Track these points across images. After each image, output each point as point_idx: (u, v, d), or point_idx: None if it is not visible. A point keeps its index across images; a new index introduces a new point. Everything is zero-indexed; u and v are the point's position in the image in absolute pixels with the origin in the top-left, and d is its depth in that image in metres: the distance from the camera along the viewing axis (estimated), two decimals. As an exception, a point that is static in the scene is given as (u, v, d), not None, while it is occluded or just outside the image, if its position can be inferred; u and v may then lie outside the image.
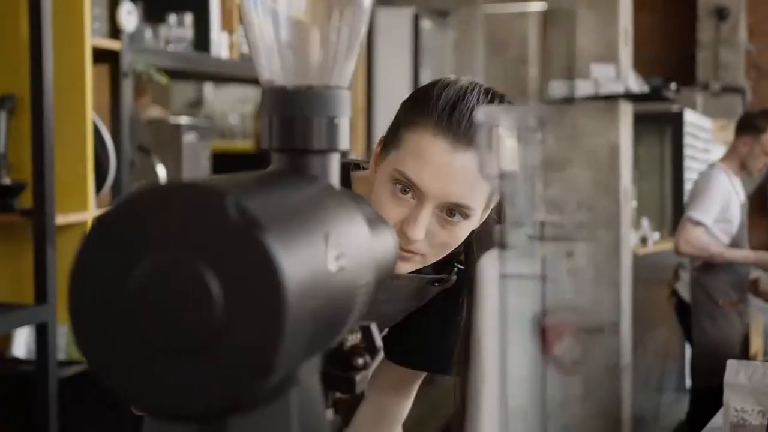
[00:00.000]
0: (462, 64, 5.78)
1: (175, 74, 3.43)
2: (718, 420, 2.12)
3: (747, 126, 4.43)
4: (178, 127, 3.26)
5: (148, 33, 3.12)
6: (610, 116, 5.47)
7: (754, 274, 4.59)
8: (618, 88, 5.47)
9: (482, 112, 0.74)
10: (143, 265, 0.64)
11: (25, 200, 2.55)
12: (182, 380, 0.62)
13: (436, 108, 1.29)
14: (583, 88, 5.46)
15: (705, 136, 7.80)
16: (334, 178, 0.84)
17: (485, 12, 5.76)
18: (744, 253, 4.50)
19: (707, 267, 4.43)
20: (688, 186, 7.22)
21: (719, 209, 4.39)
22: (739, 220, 4.48)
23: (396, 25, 5.73)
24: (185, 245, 0.63)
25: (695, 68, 9.18)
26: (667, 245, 6.62)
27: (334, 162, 0.84)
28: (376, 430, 1.55)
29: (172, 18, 3.22)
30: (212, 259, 0.63)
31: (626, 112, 5.71)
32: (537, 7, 5.80)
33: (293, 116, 0.82)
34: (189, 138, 3.22)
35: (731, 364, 1.99)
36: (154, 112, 4.13)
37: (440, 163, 1.27)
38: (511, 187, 0.72)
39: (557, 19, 5.74)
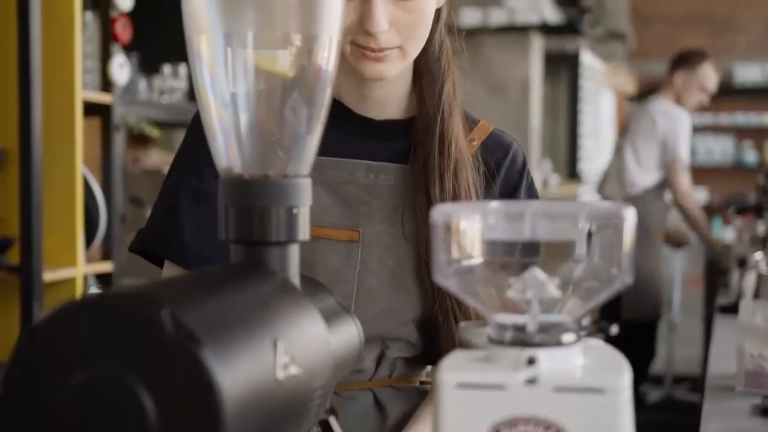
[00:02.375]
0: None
1: (170, 124, 3.42)
2: (727, 367, 1.90)
3: (682, 61, 4.54)
4: (172, 178, 3.23)
5: (142, 84, 3.11)
6: (522, 49, 5.40)
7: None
8: (532, 18, 5.38)
9: None
10: (76, 379, 0.60)
11: (13, 256, 2.52)
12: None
13: None
14: (497, 16, 5.36)
15: (597, 79, 7.80)
16: (293, 269, 0.80)
17: None
18: (708, 231, 4.61)
19: (640, 197, 4.43)
20: (582, 129, 7.21)
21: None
22: None
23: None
24: (119, 359, 0.60)
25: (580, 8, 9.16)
26: (569, 189, 6.59)
27: (293, 254, 0.81)
28: None
29: (167, 69, 3.22)
30: (146, 375, 0.59)
31: (538, 45, 5.63)
32: None
33: (250, 206, 0.79)
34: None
35: (745, 304, 1.78)
36: (155, 156, 4.11)
37: None
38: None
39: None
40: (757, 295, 2.81)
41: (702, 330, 5.17)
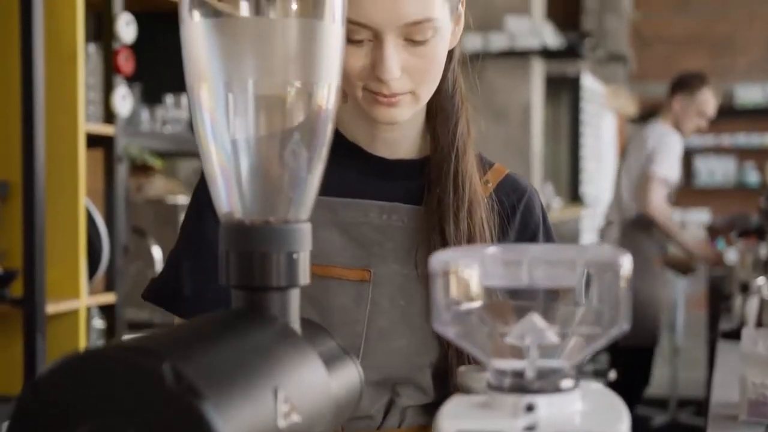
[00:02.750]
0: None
1: (173, 154, 3.43)
2: (731, 395, 1.88)
3: (681, 85, 4.51)
4: (174, 207, 3.25)
5: (144, 114, 3.12)
6: (523, 74, 5.40)
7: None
8: (533, 43, 5.38)
9: None
10: (79, 431, 0.61)
11: (16, 288, 2.52)
12: None
13: None
14: (498, 41, 5.37)
15: (599, 102, 7.82)
16: (294, 314, 0.81)
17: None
18: (692, 242, 4.59)
19: (639, 222, 4.40)
20: (584, 152, 7.22)
21: (677, 168, 4.46)
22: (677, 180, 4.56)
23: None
24: (121, 412, 0.60)
25: (581, 32, 9.19)
26: (571, 212, 6.60)
27: (294, 298, 0.81)
28: None
29: (169, 99, 3.23)
30: (148, 428, 0.60)
31: (539, 69, 5.64)
32: None
33: (251, 252, 0.80)
34: (187, 217, 3.19)
35: (747, 333, 1.78)
36: (159, 184, 4.12)
37: None
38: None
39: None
40: (760, 321, 2.81)
41: (706, 353, 5.16)
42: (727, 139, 10.28)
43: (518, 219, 1.30)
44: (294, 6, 0.78)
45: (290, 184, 0.82)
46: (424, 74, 1.18)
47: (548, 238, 1.31)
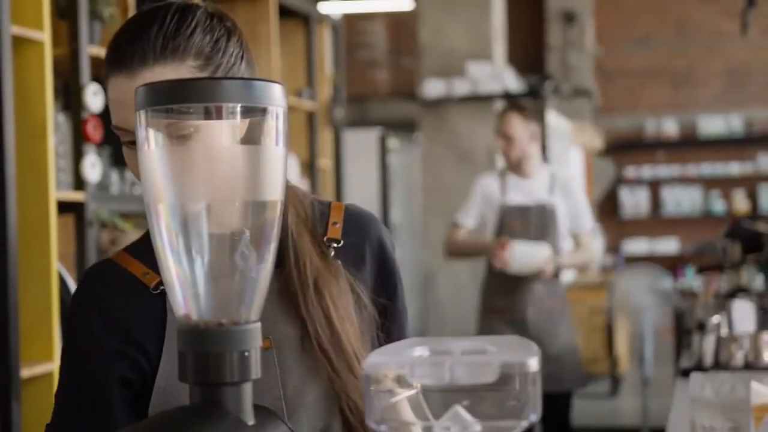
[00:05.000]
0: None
1: (143, 215, 3.51)
2: None
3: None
4: (145, 265, 3.31)
5: (114, 177, 3.20)
6: (486, 117, 5.51)
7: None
8: (495, 87, 5.46)
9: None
10: None
11: (-10, 354, 2.58)
12: None
13: (110, 47, 1.23)
14: (460, 87, 5.45)
15: (565, 137, 7.94)
16: (247, 406, 0.89)
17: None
18: (477, 240, 4.35)
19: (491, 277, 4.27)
20: None
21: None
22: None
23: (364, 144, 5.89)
24: None
25: (544, 71, 9.35)
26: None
27: (247, 391, 0.90)
28: None
29: (138, 160, 3.31)
30: None
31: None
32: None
33: (207, 352, 0.88)
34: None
35: (695, 377, 1.84)
36: (132, 237, 4.18)
37: (120, 96, 1.20)
38: None
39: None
40: (717, 359, 2.89)
41: (674, 382, 5.26)
42: (692, 169, 10.46)
43: (371, 252, 1.36)
44: (240, 134, 0.87)
45: (240, 287, 0.91)
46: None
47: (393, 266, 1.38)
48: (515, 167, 4.27)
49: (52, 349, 2.69)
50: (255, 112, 0.89)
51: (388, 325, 1.37)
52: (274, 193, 0.90)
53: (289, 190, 1.32)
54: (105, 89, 1.26)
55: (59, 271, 2.76)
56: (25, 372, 2.58)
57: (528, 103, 6.44)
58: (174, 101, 0.87)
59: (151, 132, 0.89)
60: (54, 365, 2.70)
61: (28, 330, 2.65)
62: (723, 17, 9.98)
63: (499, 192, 4.29)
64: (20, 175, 2.62)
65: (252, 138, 0.88)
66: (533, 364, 0.76)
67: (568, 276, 7.98)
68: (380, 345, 1.30)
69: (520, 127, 4.16)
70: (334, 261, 1.31)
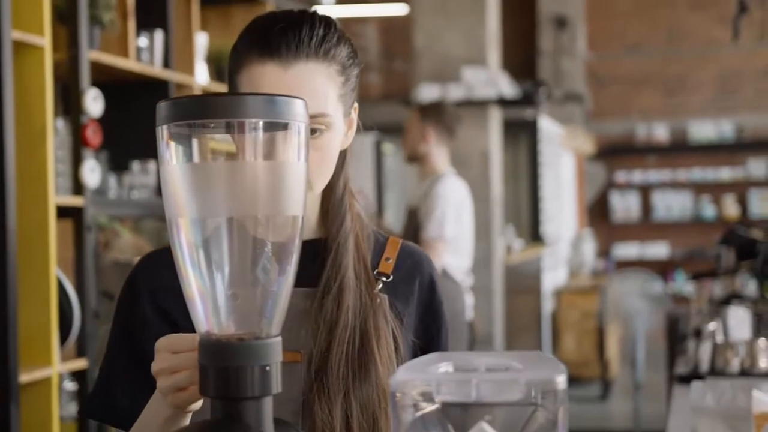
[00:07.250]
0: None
1: (140, 218, 3.51)
2: None
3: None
4: (141, 269, 3.30)
5: (112, 181, 3.20)
6: (481, 122, 5.50)
7: None
8: (490, 93, 5.44)
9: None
10: None
11: (-11, 358, 2.57)
12: None
13: (256, 35, 1.24)
14: (455, 91, 5.43)
15: (557, 142, 7.97)
16: (267, 420, 0.89)
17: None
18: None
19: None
20: (543, 192, 7.38)
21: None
22: None
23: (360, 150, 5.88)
24: None
25: (536, 76, 9.37)
26: (532, 252, 6.75)
27: (267, 405, 0.90)
28: None
29: (136, 165, 3.31)
30: None
31: (496, 117, 5.77)
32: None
33: (227, 367, 0.88)
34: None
35: (696, 386, 1.84)
36: (125, 240, 4.17)
37: (273, 85, 1.21)
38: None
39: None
40: (713, 366, 2.90)
41: (667, 387, 5.28)
42: (683, 174, 10.48)
43: (420, 292, 1.36)
44: (262, 150, 0.87)
45: (262, 301, 0.91)
46: (319, 166, 1.24)
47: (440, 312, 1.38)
48: (413, 163, 4.22)
49: (51, 354, 2.68)
50: (277, 127, 0.89)
51: None
52: (296, 208, 0.90)
53: (355, 219, 1.33)
54: (232, 77, 1.26)
55: (58, 276, 2.75)
56: (24, 377, 2.57)
57: (523, 107, 6.45)
58: (197, 116, 0.87)
59: (173, 146, 0.89)
60: (52, 370, 2.69)
61: (26, 334, 2.64)
62: (715, 24, 10.01)
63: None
64: (20, 180, 2.61)
65: (273, 153, 0.89)
66: (561, 381, 0.77)
67: (560, 279, 8.01)
68: None
69: (414, 124, 4.10)
70: (380, 294, 1.31)
